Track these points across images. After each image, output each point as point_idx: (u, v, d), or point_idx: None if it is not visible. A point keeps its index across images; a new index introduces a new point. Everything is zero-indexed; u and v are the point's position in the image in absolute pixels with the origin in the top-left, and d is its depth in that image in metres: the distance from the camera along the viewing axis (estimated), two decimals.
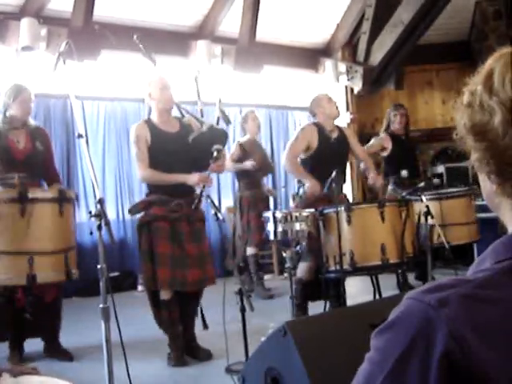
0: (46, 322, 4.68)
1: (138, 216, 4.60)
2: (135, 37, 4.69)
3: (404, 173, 6.51)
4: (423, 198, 5.42)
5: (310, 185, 5.12)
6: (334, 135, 5.40)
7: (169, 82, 4.59)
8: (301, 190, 5.31)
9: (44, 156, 4.78)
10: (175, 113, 4.75)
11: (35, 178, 4.73)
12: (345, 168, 5.58)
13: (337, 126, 5.49)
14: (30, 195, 4.13)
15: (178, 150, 4.46)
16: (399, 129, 6.98)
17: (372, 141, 6.98)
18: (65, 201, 4.32)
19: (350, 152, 5.56)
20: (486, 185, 0.96)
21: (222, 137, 4.50)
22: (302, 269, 5.09)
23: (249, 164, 6.99)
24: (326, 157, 5.23)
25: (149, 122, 4.59)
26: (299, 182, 5.34)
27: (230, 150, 7.19)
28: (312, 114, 5.59)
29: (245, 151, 7.13)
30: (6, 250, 4.08)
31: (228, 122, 4.69)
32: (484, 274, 0.87)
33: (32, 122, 4.86)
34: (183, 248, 4.39)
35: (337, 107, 5.47)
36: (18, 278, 4.10)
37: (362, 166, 5.79)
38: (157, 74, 4.65)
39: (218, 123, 4.54)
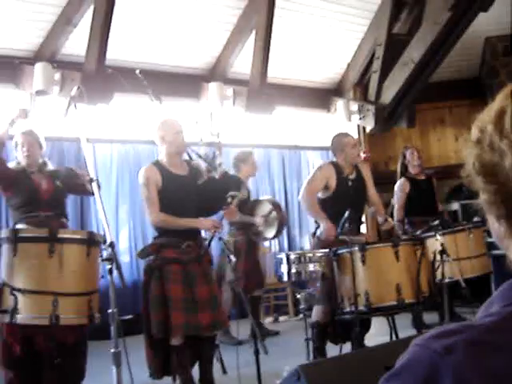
0: (69, 368, 4.46)
1: (147, 260, 4.52)
2: (137, 71, 4.71)
3: None
4: (437, 236, 5.34)
5: (325, 227, 5.06)
6: (352, 176, 5.33)
7: (181, 125, 4.59)
8: (318, 231, 5.27)
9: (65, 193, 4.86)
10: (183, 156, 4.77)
11: (59, 216, 4.73)
12: (362, 208, 5.52)
13: (355, 166, 5.41)
14: (59, 235, 4.03)
15: (189, 192, 4.47)
16: (418, 170, 6.91)
17: (396, 193, 6.90)
18: (93, 243, 4.18)
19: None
20: (495, 226, 0.93)
21: (237, 184, 4.54)
22: (318, 312, 5.02)
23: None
24: (344, 198, 5.14)
25: (158, 164, 4.55)
26: (316, 222, 5.31)
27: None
28: (333, 153, 5.48)
29: None
30: (30, 288, 3.93)
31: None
32: (491, 318, 0.85)
33: (50, 165, 4.95)
34: (194, 292, 4.34)
35: (359, 153, 5.40)
36: (40, 318, 3.91)
37: (371, 209, 5.75)
38: (170, 118, 4.68)
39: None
